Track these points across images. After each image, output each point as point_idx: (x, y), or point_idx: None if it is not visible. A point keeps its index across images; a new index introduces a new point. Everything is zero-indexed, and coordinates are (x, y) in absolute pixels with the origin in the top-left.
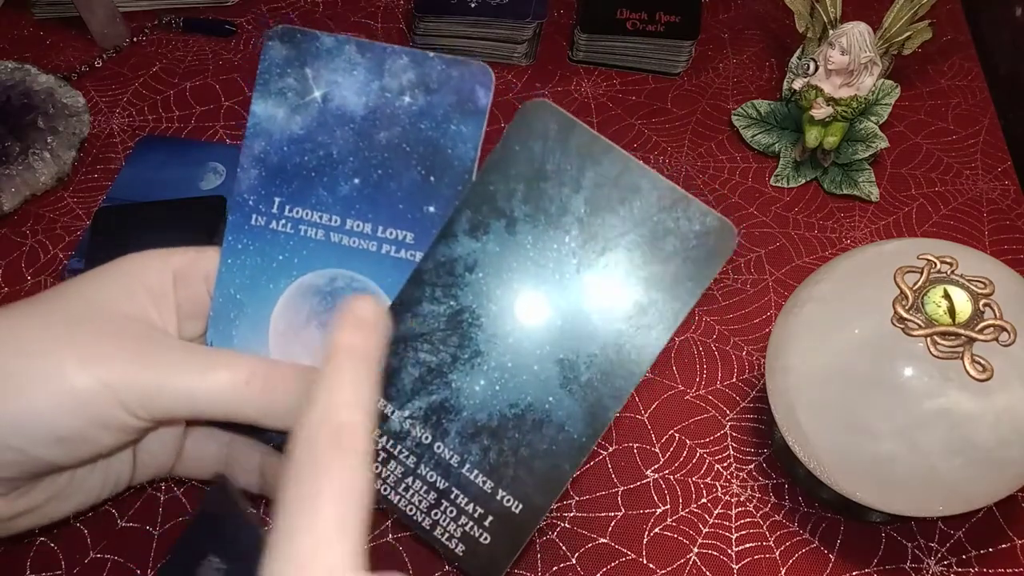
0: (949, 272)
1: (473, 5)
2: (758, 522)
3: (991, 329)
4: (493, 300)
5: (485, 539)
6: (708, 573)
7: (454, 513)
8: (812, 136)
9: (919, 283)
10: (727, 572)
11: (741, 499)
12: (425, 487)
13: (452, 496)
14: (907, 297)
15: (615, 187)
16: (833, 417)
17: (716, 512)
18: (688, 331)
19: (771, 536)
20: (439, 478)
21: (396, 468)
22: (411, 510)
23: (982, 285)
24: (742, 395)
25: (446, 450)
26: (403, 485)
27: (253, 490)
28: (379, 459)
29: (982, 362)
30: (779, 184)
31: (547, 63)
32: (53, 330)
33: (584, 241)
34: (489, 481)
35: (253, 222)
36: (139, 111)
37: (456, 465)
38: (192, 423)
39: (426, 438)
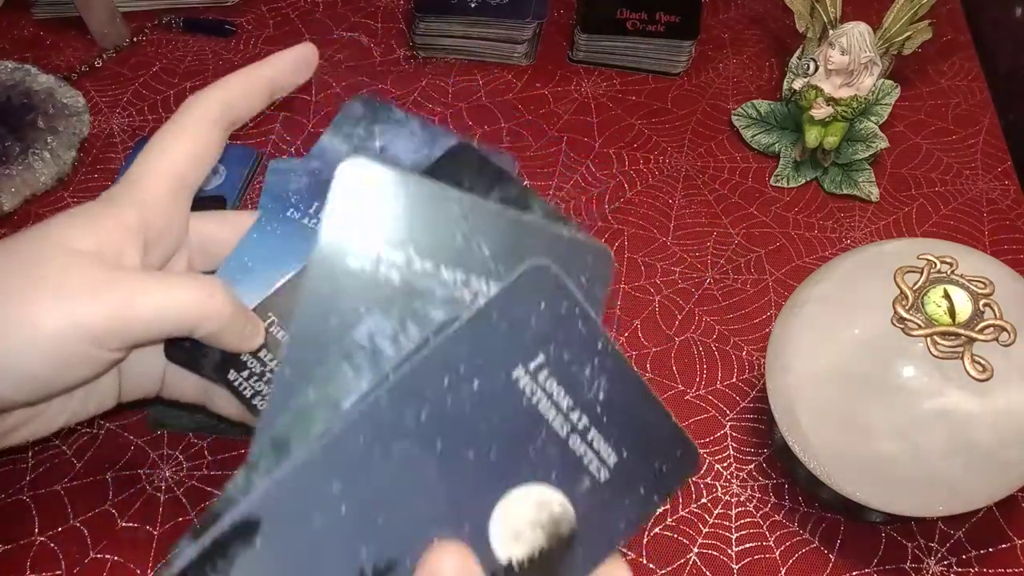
0: (949, 272)
1: (473, 5)
2: (758, 522)
3: (991, 329)
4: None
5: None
6: (708, 573)
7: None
8: (812, 136)
9: (919, 283)
10: (727, 572)
11: (741, 499)
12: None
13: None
14: (907, 297)
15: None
16: (833, 417)
17: (716, 512)
18: (688, 331)
19: (771, 536)
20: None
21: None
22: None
23: (982, 285)
24: (742, 395)
25: None
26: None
27: (234, 418)
28: (264, 379)
29: (982, 362)
30: (779, 184)
31: (547, 63)
32: (19, 273)
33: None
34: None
35: (288, 215)
36: (139, 111)
37: None
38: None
39: None
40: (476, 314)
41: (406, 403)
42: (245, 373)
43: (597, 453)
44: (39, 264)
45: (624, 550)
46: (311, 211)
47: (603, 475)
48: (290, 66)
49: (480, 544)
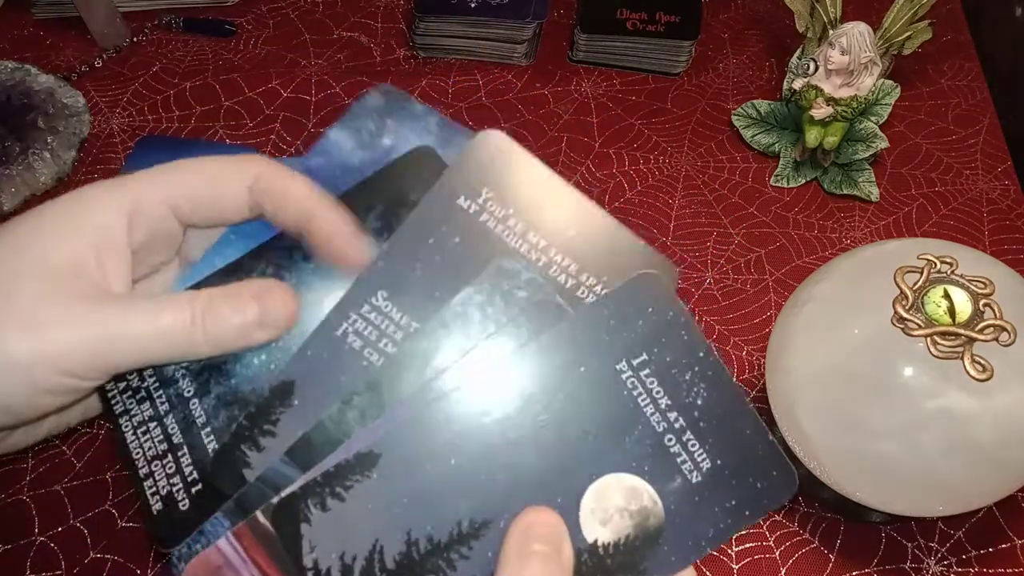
0: (949, 272)
1: (473, 5)
2: (758, 522)
3: (991, 329)
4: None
5: (184, 506)
6: (708, 573)
7: (172, 470)
8: (812, 136)
9: (919, 283)
10: (727, 572)
11: None
12: (162, 436)
13: (179, 454)
14: (907, 297)
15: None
16: (833, 417)
17: None
18: None
19: (771, 536)
20: (178, 432)
21: (147, 409)
22: (138, 454)
23: (982, 285)
24: None
25: (199, 408)
26: (144, 427)
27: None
28: (137, 396)
29: (982, 362)
30: (779, 184)
31: (547, 63)
32: None
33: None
34: (217, 448)
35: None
36: (139, 111)
37: (199, 426)
38: None
39: (188, 391)
40: (592, 306)
41: (521, 375)
42: (122, 384)
43: (691, 455)
44: (12, 289)
45: None
46: None
47: (695, 478)
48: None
49: (569, 521)
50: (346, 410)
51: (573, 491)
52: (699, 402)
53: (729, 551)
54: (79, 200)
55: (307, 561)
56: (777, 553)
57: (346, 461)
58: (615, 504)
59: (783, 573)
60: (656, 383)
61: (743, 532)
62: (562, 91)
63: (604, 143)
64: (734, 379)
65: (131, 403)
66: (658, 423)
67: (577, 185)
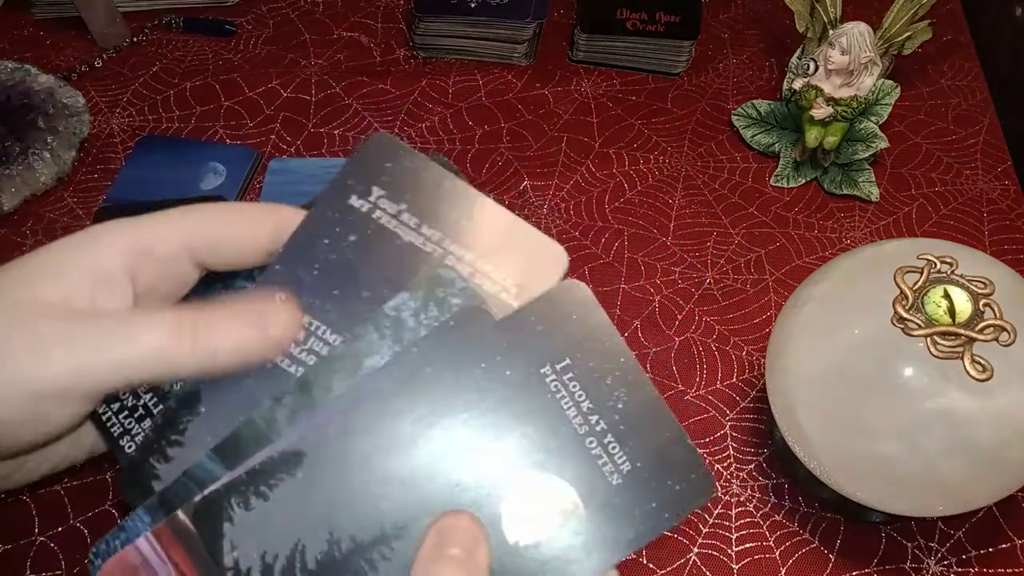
0: (949, 272)
1: (473, 5)
2: (758, 522)
3: (991, 329)
4: None
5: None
6: (708, 573)
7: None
8: (812, 136)
9: (919, 283)
10: (727, 572)
11: (741, 499)
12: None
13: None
14: (907, 297)
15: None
16: (833, 417)
17: (716, 512)
18: (688, 331)
19: (771, 536)
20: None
21: (149, 426)
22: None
23: (982, 285)
24: (742, 395)
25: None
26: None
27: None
28: (135, 415)
29: (982, 362)
30: (779, 184)
31: (547, 63)
32: None
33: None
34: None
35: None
36: (139, 111)
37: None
38: None
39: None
40: (517, 312)
41: (444, 376)
42: (116, 406)
43: (612, 458)
44: (11, 319)
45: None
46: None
47: (616, 480)
48: None
49: (491, 523)
50: (276, 408)
51: (495, 493)
52: (620, 406)
53: (729, 551)
54: (81, 240)
55: (227, 560)
56: (777, 553)
57: (271, 459)
58: (537, 506)
59: (783, 573)
60: (579, 387)
61: (666, 532)
62: (562, 91)
63: (604, 143)
64: (650, 383)
65: (130, 422)
66: (580, 426)
67: (577, 185)
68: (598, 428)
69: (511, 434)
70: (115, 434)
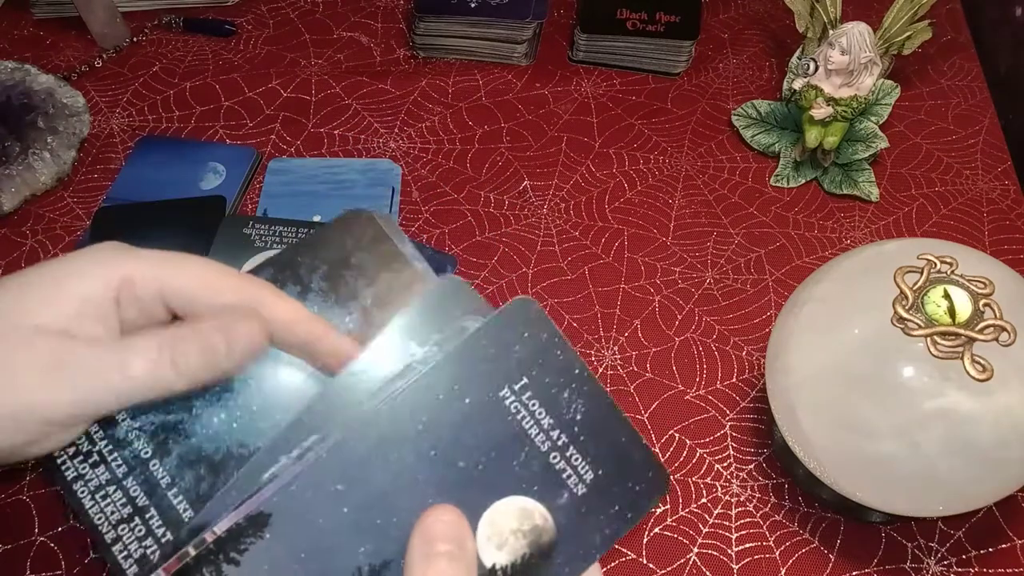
0: (949, 272)
1: (473, 5)
2: (758, 522)
3: (991, 329)
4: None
5: (158, 565)
6: (708, 573)
7: (142, 533)
8: (812, 136)
9: (919, 283)
10: (727, 572)
11: (741, 499)
12: (124, 500)
13: (147, 516)
14: (907, 297)
15: (402, 291)
16: (833, 417)
17: (716, 512)
18: (688, 331)
19: (771, 536)
20: (142, 494)
21: (103, 473)
22: (100, 519)
23: (982, 285)
24: (742, 395)
25: (161, 469)
26: (103, 492)
27: None
28: (90, 461)
29: (982, 362)
30: (779, 184)
31: (547, 63)
32: None
33: (363, 325)
34: (190, 511)
35: None
36: (139, 111)
37: (164, 487)
38: None
39: (146, 452)
40: (468, 338)
41: (405, 415)
42: (71, 450)
43: (576, 469)
44: (21, 345)
45: (624, 550)
46: None
47: (580, 490)
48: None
49: None
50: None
51: (468, 520)
52: (579, 417)
53: (729, 551)
54: (67, 268)
55: None
56: (777, 553)
57: (237, 525)
58: (509, 527)
59: (783, 573)
60: (538, 404)
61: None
62: (562, 91)
63: (604, 143)
64: (606, 389)
65: (84, 468)
66: (543, 443)
67: (577, 185)
68: (560, 443)
69: (478, 461)
70: (68, 478)
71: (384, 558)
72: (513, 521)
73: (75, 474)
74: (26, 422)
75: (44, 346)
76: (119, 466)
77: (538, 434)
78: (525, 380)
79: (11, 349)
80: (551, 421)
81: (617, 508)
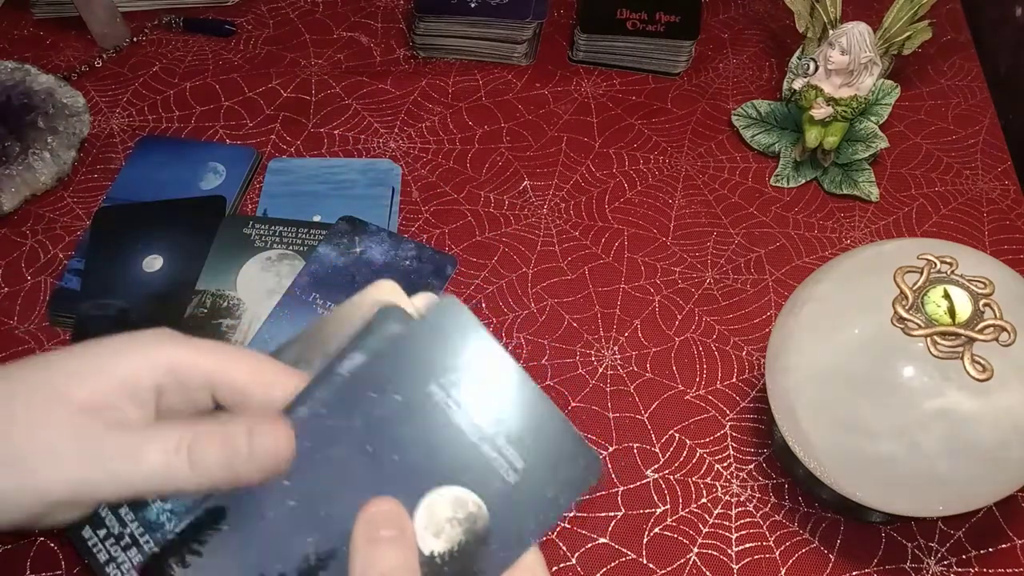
0: (949, 272)
1: (473, 5)
2: (758, 522)
3: (991, 329)
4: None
5: None
6: (708, 573)
7: None
8: (812, 136)
9: (919, 283)
10: (727, 572)
11: (741, 499)
12: None
13: None
14: (907, 297)
15: None
16: (833, 417)
17: (716, 512)
18: (688, 331)
19: (771, 536)
20: (179, 570)
21: (135, 556)
22: None
23: (982, 285)
24: (742, 395)
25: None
26: (133, 574)
27: None
28: (121, 543)
29: (982, 362)
30: (779, 184)
31: (547, 63)
32: (24, 422)
33: None
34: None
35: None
36: (139, 111)
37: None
38: None
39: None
40: (398, 338)
41: (343, 412)
42: (102, 532)
43: (506, 457)
44: (35, 420)
45: (624, 550)
46: (309, 299)
47: (512, 478)
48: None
49: None
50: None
51: (406, 510)
52: (508, 407)
53: (729, 551)
54: (113, 348)
55: None
56: (777, 553)
57: (197, 519)
58: (444, 516)
59: (783, 573)
60: (466, 397)
61: (563, 522)
62: (562, 91)
63: (604, 143)
64: (537, 385)
65: (116, 550)
66: (472, 433)
67: (577, 185)
68: (489, 432)
69: (411, 453)
70: (101, 560)
71: (329, 547)
72: (448, 510)
73: (107, 557)
74: (25, 501)
75: (64, 427)
76: (151, 548)
77: (467, 424)
78: (453, 375)
79: (33, 424)
80: (480, 412)
81: (550, 494)
